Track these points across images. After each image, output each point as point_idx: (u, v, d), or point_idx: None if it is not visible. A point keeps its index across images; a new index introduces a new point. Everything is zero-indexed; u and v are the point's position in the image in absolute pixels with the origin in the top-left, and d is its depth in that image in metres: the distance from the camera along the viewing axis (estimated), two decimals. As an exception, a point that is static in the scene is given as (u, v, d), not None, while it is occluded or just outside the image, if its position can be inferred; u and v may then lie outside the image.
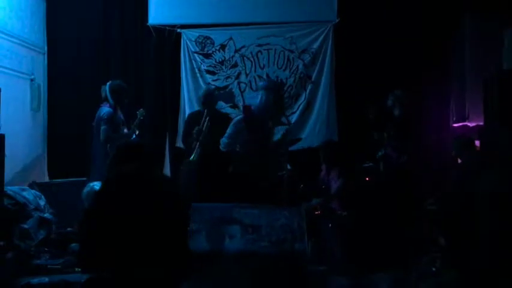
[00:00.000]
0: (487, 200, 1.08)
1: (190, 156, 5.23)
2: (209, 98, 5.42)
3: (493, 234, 1.08)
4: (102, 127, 5.09)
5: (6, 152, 4.76)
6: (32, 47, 6.62)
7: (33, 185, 5.87)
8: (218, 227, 4.02)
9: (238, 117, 4.84)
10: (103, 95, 5.27)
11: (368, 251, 4.68)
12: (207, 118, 5.29)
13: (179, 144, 6.83)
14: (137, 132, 5.44)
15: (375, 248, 4.78)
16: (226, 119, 5.58)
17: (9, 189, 5.10)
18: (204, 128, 5.23)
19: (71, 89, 6.90)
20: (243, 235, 3.95)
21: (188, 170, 5.36)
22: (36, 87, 6.61)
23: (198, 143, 5.21)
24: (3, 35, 5.92)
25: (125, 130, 5.40)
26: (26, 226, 4.88)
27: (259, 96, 4.73)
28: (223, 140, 4.75)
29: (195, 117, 5.51)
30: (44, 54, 6.90)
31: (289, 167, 5.50)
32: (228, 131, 4.76)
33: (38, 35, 6.76)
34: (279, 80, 6.74)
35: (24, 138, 6.30)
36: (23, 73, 6.37)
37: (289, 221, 3.99)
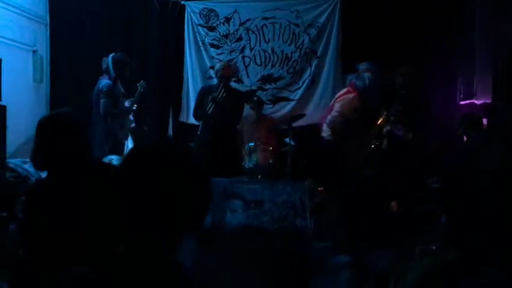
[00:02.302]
0: (489, 177, 1.05)
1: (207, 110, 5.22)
2: (226, 73, 5.37)
3: (494, 211, 1.05)
4: (102, 100, 5.03)
5: (9, 124, 4.74)
6: (34, 18, 6.53)
7: (36, 158, 5.86)
8: (220, 201, 4.01)
9: (351, 96, 4.78)
10: (104, 66, 5.21)
11: (370, 228, 4.66)
12: (222, 91, 5.26)
13: (182, 118, 6.81)
14: (136, 106, 5.39)
15: (377, 225, 4.77)
16: (239, 95, 5.55)
17: (11, 161, 5.10)
18: (217, 100, 5.21)
19: (73, 60, 6.85)
20: (245, 210, 3.95)
21: (199, 145, 5.37)
22: (39, 58, 6.56)
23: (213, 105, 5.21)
24: (4, 5, 5.84)
25: (125, 103, 5.36)
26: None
27: (365, 78, 4.70)
28: (332, 119, 4.67)
29: (207, 91, 5.47)
30: (46, 25, 6.82)
31: (292, 142, 5.47)
32: (338, 109, 4.70)
33: (40, 5, 6.67)
34: (285, 54, 6.67)
35: (26, 110, 6.26)
36: (25, 44, 6.31)
37: (292, 197, 3.97)
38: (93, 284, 1.07)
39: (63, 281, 1.10)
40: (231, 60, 6.75)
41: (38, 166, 2.23)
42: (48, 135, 2.13)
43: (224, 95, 5.25)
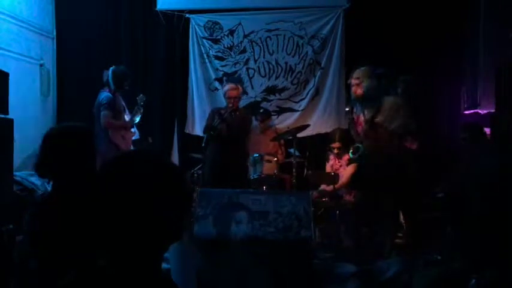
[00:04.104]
0: (492, 186, 1.06)
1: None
2: (233, 93, 5.38)
3: (498, 219, 1.06)
4: (102, 112, 5.05)
5: (16, 137, 4.77)
6: (41, 32, 6.61)
7: (42, 170, 5.89)
8: (225, 213, 4.02)
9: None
10: (104, 79, 5.25)
11: (376, 237, 4.66)
12: (229, 111, 5.29)
13: (187, 129, 6.85)
14: (138, 119, 5.40)
15: (383, 234, 4.76)
16: (246, 117, 5.55)
17: (17, 174, 5.12)
18: (224, 117, 5.24)
19: (80, 74, 6.90)
20: (250, 221, 3.95)
21: (206, 157, 5.41)
22: (46, 72, 6.63)
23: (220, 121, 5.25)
24: (11, 19, 5.92)
25: (126, 117, 5.38)
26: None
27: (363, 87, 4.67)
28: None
29: (217, 113, 5.48)
30: (53, 38, 6.90)
31: (297, 153, 5.49)
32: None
33: (46, 19, 6.76)
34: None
35: (33, 123, 6.31)
36: (32, 58, 6.38)
37: (296, 208, 3.98)
38: None
39: None
40: (235, 72, 6.80)
41: (43, 174, 2.27)
42: (59, 145, 2.18)
43: (232, 114, 5.30)
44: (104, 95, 5.11)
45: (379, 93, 4.51)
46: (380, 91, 4.52)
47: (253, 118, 6.20)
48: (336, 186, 5.38)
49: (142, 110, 5.36)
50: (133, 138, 5.47)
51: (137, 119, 5.38)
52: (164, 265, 3.53)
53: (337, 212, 5.15)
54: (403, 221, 5.03)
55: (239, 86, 5.61)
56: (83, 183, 2.10)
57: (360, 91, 4.52)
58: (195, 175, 5.90)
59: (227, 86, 5.58)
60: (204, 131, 5.61)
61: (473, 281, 1.07)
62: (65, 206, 2.06)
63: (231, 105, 5.33)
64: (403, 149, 4.61)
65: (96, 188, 1.13)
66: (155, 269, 1.13)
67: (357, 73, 4.62)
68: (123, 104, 5.39)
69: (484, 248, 1.16)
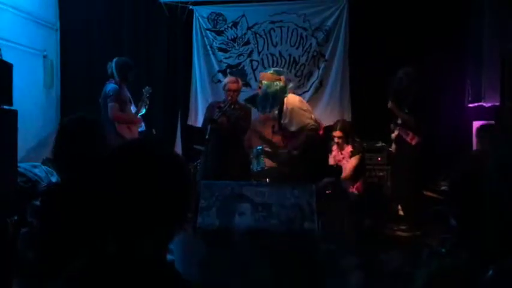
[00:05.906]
0: (498, 178, 1.06)
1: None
2: (233, 86, 5.36)
3: (505, 212, 1.06)
4: (110, 104, 5.07)
5: (19, 128, 4.78)
6: (44, 23, 6.60)
7: (46, 162, 5.91)
8: (229, 204, 4.03)
9: None
10: (109, 71, 5.27)
11: (375, 230, 4.68)
12: (228, 104, 5.28)
13: (190, 121, 6.85)
14: (144, 111, 5.42)
15: (383, 227, 4.78)
16: (246, 110, 5.53)
17: (21, 166, 5.13)
18: (224, 109, 5.22)
19: (83, 65, 6.91)
20: (253, 213, 3.96)
21: (208, 149, 5.41)
22: (49, 63, 6.63)
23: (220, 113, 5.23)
24: (14, 11, 5.91)
25: (132, 108, 5.40)
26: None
27: None
28: None
29: (217, 106, 5.46)
30: (57, 30, 6.89)
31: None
32: None
33: (50, 10, 6.75)
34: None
35: (37, 114, 6.33)
36: (35, 49, 6.37)
37: (299, 200, 3.98)
38: (85, 283, 1.09)
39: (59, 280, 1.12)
40: (239, 64, 6.78)
41: (61, 167, 2.27)
42: (77, 136, 2.17)
43: (232, 107, 5.28)
44: (111, 86, 5.14)
45: (276, 94, 4.67)
46: (279, 92, 4.66)
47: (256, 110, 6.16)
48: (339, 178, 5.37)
49: (148, 102, 5.39)
50: (139, 129, 5.49)
51: (143, 111, 5.41)
52: (168, 256, 3.55)
53: (341, 204, 5.15)
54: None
55: (239, 80, 5.58)
56: (91, 173, 2.11)
57: (259, 91, 4.82)
58: (198, 167, 5.90)
59: (227, 79, 5.57)
60: (203, 125, 5.60)
61: (491, 271, 1.06)
62: (74, 196, 2.06)
63: (229, 98, 5.30)
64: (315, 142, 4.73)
65: (101, 178, 1.14)
66: (160, 258, 1.13)
67: (261, 76, 4.89)
68: (129, 95, 5.40)
69: (493, 241, 1.16)
